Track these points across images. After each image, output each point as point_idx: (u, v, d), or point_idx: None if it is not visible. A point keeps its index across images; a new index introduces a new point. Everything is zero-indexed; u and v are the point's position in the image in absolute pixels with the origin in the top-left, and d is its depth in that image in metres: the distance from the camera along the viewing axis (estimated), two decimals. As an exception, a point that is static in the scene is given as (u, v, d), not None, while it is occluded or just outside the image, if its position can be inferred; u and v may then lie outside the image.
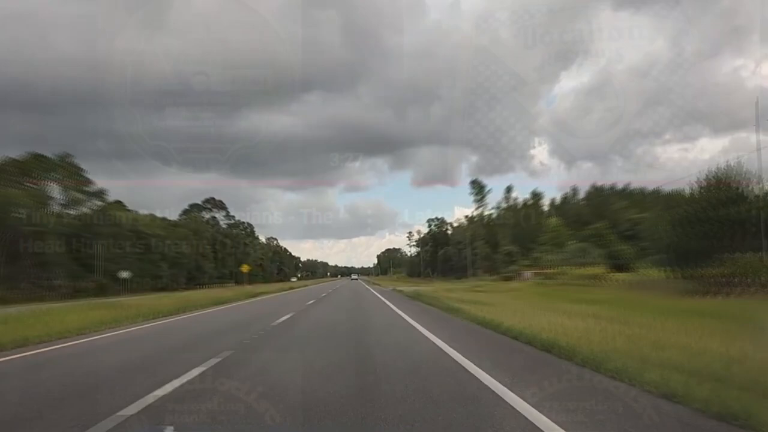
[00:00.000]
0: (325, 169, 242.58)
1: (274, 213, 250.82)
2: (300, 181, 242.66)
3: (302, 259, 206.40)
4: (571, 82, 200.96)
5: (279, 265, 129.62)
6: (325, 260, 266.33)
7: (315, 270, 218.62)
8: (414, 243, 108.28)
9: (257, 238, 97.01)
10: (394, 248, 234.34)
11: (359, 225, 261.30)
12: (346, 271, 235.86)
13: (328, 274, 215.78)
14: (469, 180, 64.95)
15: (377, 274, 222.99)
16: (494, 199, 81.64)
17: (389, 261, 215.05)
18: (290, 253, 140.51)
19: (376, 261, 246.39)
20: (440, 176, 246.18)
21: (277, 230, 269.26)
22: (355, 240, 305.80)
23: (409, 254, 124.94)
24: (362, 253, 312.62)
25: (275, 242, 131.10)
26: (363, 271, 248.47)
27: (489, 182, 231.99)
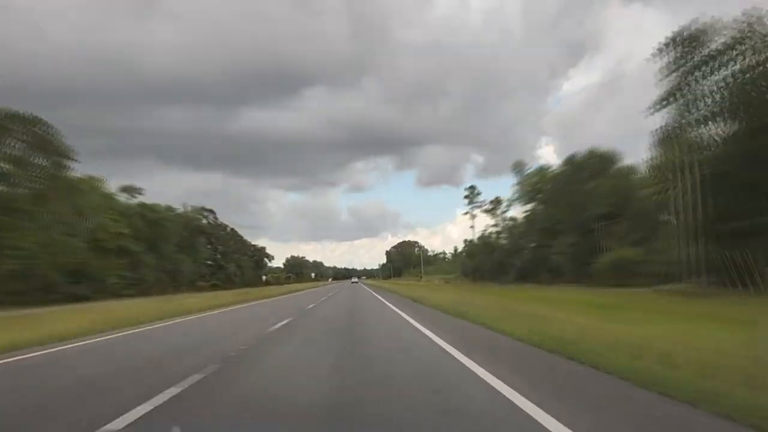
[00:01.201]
0: (328, 168, 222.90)
1: (275, 214, 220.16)
2: (302, 182, 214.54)
3: (287, 255, 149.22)
4: (579, 79, 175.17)
5: (215, 256, 69.31)
6: (329, 263, 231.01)
7: (301, 271, 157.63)
8: (523, 192, 42.89)
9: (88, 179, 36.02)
10: (409, 241, 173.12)
11: (361, 227, 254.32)
12: (347, 274, 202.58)
13: (314, 275, 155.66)
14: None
15: (387, 277, 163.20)
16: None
17: (406, 259, 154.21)
18: (242, 239, 79.73)
19: (384, 260, 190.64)
20: (446, 176, 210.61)
21: (277, 231, 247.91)
22: (357, 242, 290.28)
23: (468, 240, 64.54)
24: (364, 255, 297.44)
25: (211, 216, 70.84)
26: (367, 274, 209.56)
27: (491, 184, 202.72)
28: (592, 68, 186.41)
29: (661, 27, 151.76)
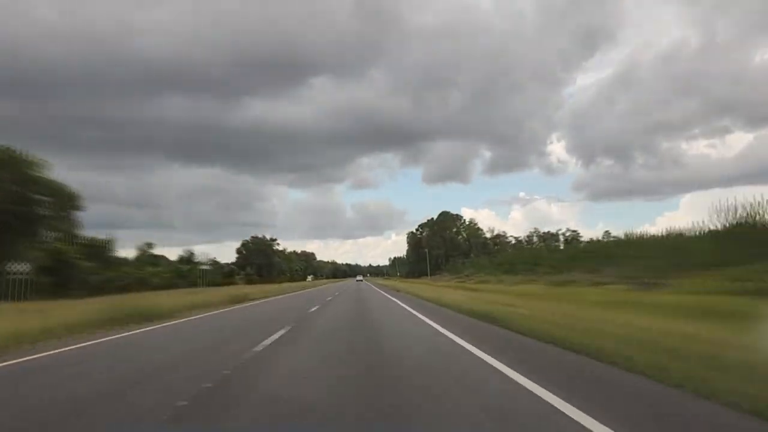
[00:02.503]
0: (332, 164, 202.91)
1: (279, 211, 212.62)
2: (305, 178, 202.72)
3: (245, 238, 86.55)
4: (592, 71, 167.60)
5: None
6: (331, 260, 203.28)
7: (271, 263, 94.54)
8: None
9: None
10: (447, 213, 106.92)
11: (366, 225, 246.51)
12: (350, 271, 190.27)
13: (256, 269, 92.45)
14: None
15: (405, 275, 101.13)
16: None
17: (447, 243, 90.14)
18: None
19: (395, 254, 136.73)
20: (453, 173, 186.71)
21: (280, 229, 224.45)
22: (361, 240, 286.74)
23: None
24: (368, 254, 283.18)
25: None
26: (374, 272, 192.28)
27: (502, 179, 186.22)
28: (607, 61, 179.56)
29: (678, 15, 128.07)
